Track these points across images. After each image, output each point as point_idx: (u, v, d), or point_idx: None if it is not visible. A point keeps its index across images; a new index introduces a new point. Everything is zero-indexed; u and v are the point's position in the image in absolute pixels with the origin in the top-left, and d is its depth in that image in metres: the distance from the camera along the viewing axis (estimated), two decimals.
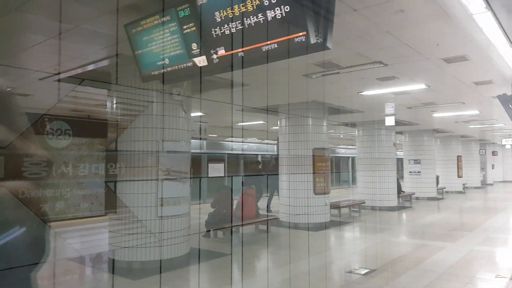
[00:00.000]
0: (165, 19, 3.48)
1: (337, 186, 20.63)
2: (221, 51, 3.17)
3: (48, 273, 5.70)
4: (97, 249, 6.86)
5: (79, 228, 8.24)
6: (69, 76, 6.36)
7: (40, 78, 6.67)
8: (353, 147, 17.57)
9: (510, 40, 3.12)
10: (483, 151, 24.74)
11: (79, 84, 6.45)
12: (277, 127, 10.38)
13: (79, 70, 6.12)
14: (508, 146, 22.20)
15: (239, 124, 14.34)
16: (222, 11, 3.01)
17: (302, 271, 5.67)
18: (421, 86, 7.84)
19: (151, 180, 5.58)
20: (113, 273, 5.53)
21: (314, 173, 9.22)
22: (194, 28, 3.30)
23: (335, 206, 10.88)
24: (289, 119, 9.64)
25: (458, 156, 19.81)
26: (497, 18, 3.03)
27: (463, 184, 20.03)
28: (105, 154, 4.95)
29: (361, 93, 8.53)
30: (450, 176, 19.50)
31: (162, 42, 3.62)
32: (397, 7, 4.08)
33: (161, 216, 5.62)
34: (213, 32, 3.14)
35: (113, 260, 5.68)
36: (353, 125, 13.76)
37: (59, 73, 6.38)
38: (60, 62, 5.89)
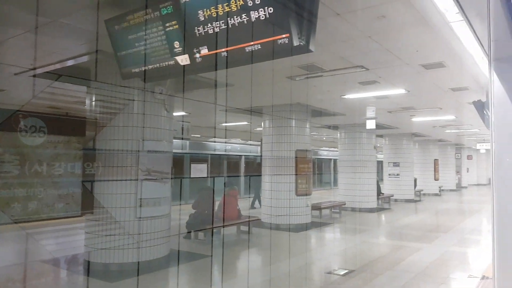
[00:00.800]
0: (147, 16, 3.42)
1: (319, 187, 20.81)
2: (204, 50, 3.14)
3: (20, 276, 5.53)
4: (72, 250, 6.69)
5: (54, 229, 8.03)
6: (46, 72, 6.19)
7: (16, 73, 6.47)
8: (335, 149, 17.75)
9: (484, 49, 3.21)
10: (459, 155, 25.42)
11: (55, 80, 6.28)
12: (261, 128, 10.39)
13: (57, 66, 5.95)
14: (482, 151, 22.89)
15: (223, 124, 14.28)
16: (206, 10, 2.98)
17: (282, 272, 5.68)
18: (401, 91, 7.99)
19: (131, 180, 5.48)
20: (88, 275, 5.39)
21: (296, 174, 9.26)
22: (176, 26, 3.26)
23: (316, 207, 10.96)
24: (273, 121, 9.67)
25: (435, 159, 20.30)
26: (471, 27, 3.11)
27: (439, 187, 20.53)
28: (82, 153, 4.82)
29: (344, 97, 8.62)
30: (427, 179, 19.96)
31: (144, 39, 3.56)
32: (379, 12, 4.13)
33: (140, 217, 5.52)
34: (196, 31, 3.10)
35: (89, 262, 5.54)
36: (335, 127, 13.91)
37: (35, 68, 6.20)
38: (37, 57, 5.72)
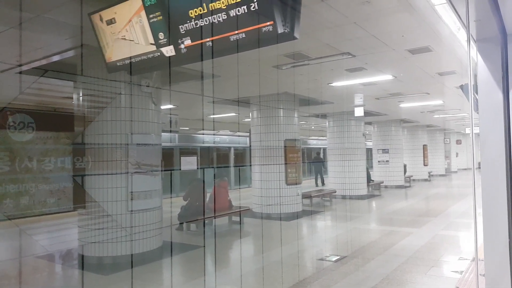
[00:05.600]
0: (130, 8, 3.39)
1: (309, 176, 20.92)
2: (188, 41, 3.14)
3: (15, 271, 5.52)
4: (66, 245, 6.69)
5: (47, 224, 8.00)
6: (32, 68, 6.12)
7: (1, 70, 6.38)
8: (324, 138, 17.87)
9: (468, 30, 3.25)
10: (448, 140, 25.68)
11: (41, 76, 6.21)
12: (249, 119, 10.40)
13: (43, 61, 5.89)
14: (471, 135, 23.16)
15: (211, 116, 14.26)
16: (192, 11, 2.97)
17: (274, 260, 5.75)
18: (388, 77, 8.05)
19: (121, 173, 5.48)
20: (82, 269, 5.41)
21: (286, 164, 9.32)
22: (160, 17, 3.25)
23: (307, 195, 11.06)
24: (261, 111, 9.68)
25: (424, 145, 20.54)
26: (454, 8, 3.14)
27: (429, 172, 20.80)
28: (71, 148, 4.81)
29: (331, 84, 8.67)
30: (416, 165, 20.21)
31: (128, 31, 3.54)
32: None
33: (132, 210, 5.54)
34: (180, 27, 3.09)
35: (83, 256, 5.56)
36: (323, 116, 13.98)
37: (21, 65, 6.12)
38: (23, 53, 5.65)
